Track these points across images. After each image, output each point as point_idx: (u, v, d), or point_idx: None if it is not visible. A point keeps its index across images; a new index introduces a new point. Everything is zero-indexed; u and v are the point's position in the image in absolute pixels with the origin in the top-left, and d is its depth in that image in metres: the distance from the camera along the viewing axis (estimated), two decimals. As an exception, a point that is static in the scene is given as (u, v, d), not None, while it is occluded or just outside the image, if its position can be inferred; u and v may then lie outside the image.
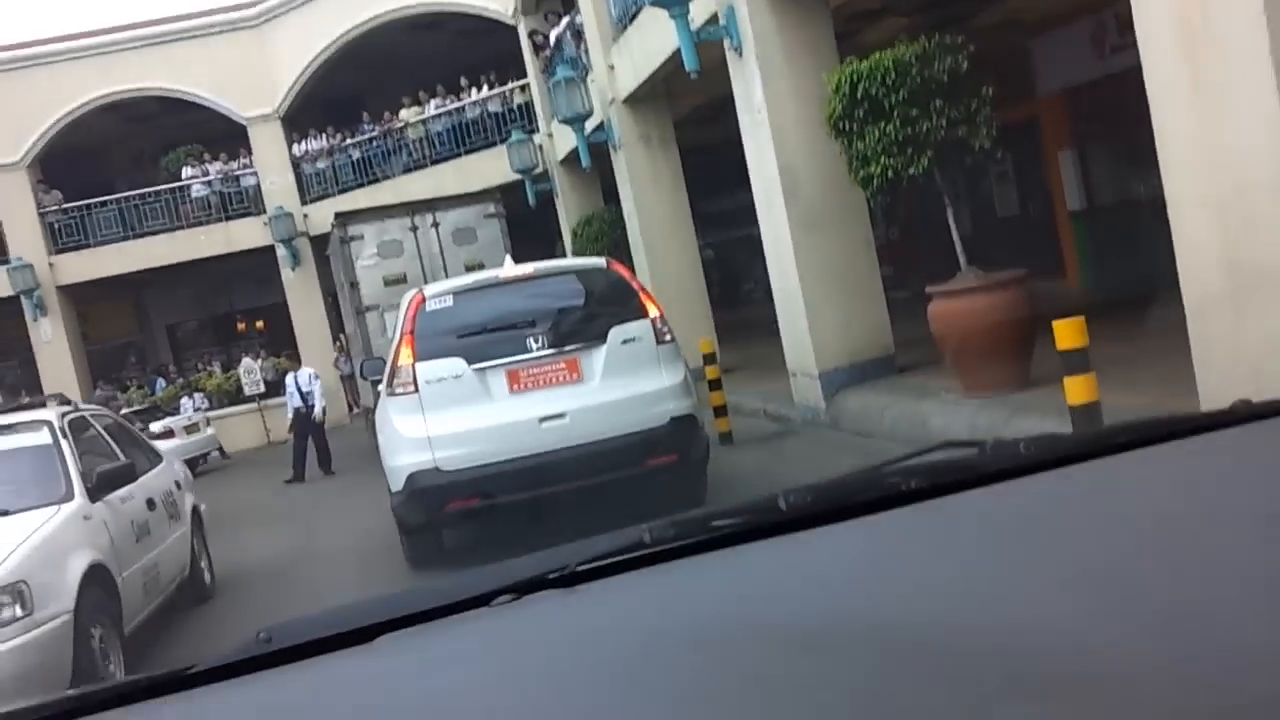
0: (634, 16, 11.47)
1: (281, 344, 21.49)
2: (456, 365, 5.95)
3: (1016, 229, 14.24)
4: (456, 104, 19.44)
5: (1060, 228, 13.39)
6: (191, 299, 23.78)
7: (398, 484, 6.01)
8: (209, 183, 21.17)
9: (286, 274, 20.53)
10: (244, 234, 20.70)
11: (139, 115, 20.97)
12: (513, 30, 17.30)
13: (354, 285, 11.92)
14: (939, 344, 7.25)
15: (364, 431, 15.30)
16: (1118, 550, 1.01)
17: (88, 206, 20.74)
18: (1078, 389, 4.80)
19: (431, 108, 19.77)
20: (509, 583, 1.15)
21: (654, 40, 10.66)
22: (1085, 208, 13.05)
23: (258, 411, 19.60)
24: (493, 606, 1.13)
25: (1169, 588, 0.89)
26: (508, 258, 7.30)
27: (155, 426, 15.72)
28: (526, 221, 17.37)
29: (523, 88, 18.28)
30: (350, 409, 17.69)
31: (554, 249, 17.52)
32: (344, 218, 12.27)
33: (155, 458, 7.28)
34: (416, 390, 5.93)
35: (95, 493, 5.60)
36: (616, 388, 6.00)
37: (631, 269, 13.47)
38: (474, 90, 19.39)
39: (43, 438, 5.80)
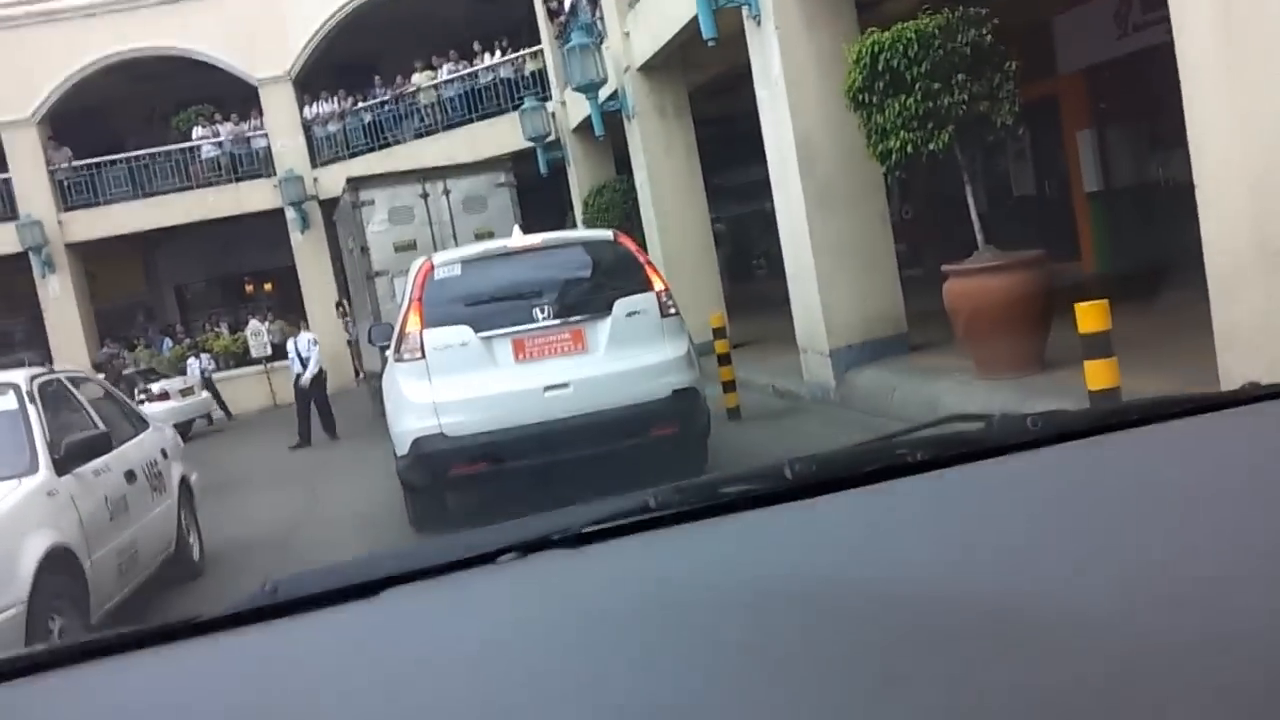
0: (652, -17, 11.31)
1: (290, 307, 21.42)
2: (463, 333, 6.02)
3: (1032, 209, 14.07)
4: (469, 69, 19.25)
5: (1077, 209, 13.23)
6: (200, 260, 23.70)
7: (403, 448, 6.09)
8: (219, 144, 21.05)
9: (295, 237, 20.45)
10: (253, 196, 20.59)
11: (150, 74, 20.81)
12: (528, -5, 17.13)
13: (364, 250, 11.91)
14: (953, 324, 7.14)
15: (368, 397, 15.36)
16: (1124, 523, 1.01)
17: (97, 164, 20.63)
18: (1099, 374, 4.70)
19: (444, 73, 19.59)
20: (514, 541, 1.15)
21: (671, 7, 10.50)
22: (1102, 189, 12.88)
23: (264, 374, 19.58)
24: (498, 564, 1.13)
25: (1175, 561, 0.89)
26: (516, 228, 7.33)
27: (154, 388, 15.74)
28: (537, 190, 17.24)
29: (536, 54, 18.10)
30: (356, 375, 17.64)
31: (565, 218, 17.40)
32: (356, 183, 12.25)
33: (140, 424, 6.74)
34: (424, 357, 6.00)
35: (63, 465, 5.08)
36: (620, 359, 6.07)
37: (643, 241, 13.53)
38: (487, 56, 19.20)
39: (7, 403, 5.24)
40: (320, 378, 12.83)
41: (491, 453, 5.89)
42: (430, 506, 6.36)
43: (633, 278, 6.33)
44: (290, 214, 20.21)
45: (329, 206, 17.92)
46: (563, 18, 15.56)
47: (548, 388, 5.97)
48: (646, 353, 6.14)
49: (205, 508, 7.53)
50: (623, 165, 14.93)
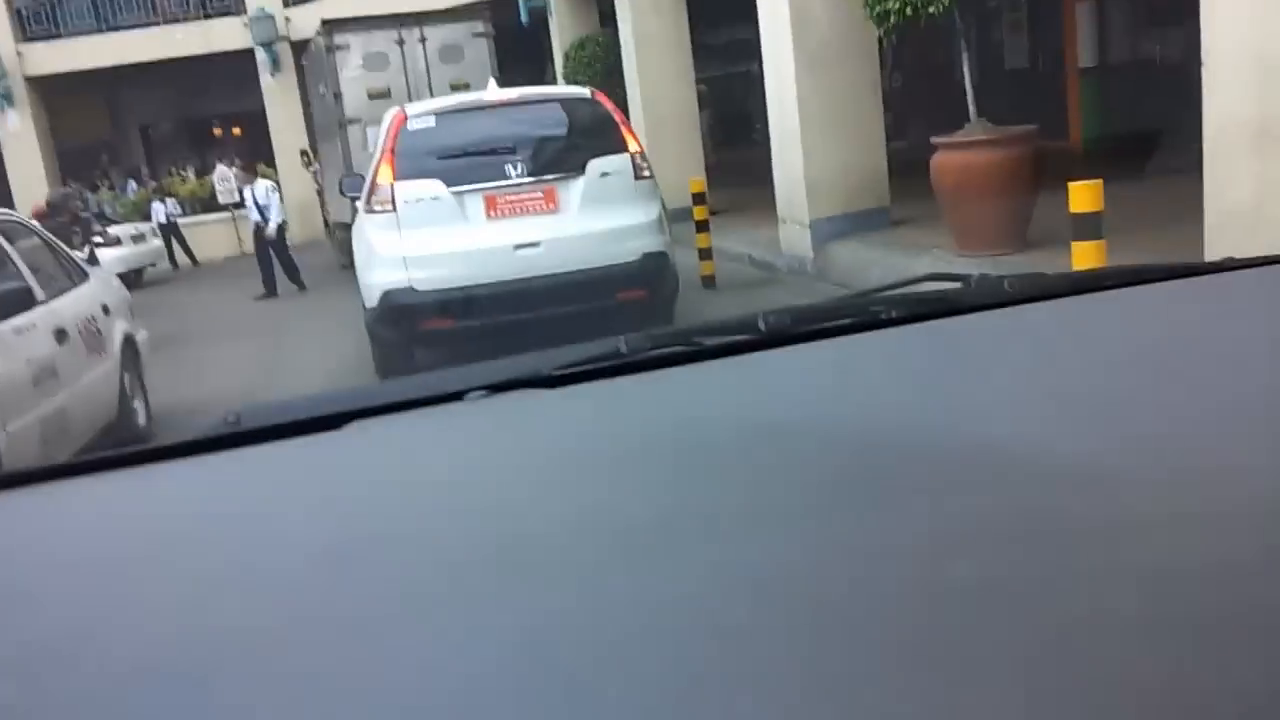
0: None
1: (259, 153, 20.80)
2: (435, 187, 5.98)
3: (1022, 83, 13.71)
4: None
5: (1069, 85, 12.90)
6: (167, 101, 22.90)
7: (372, 301, 6.11)
8: (186, -26, 20.07)
9: (266, 80, 19.72)
10: (223, 34, 19.75)
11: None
12: None
13: (337, 97, 11.63)
14: (939, 198, 6.97)
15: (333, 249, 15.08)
16: (1099, 375, 1.02)
17: (58, -8, 19.68)
18: (1086, 255, 4.57)
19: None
20: (484, 382, 1.15)
21: None
22: (1097, 65, 12.53)
23: (231, 220, 19.06)
24: (466, 400, 1.13)
25: (1148, 410, 0.90)
26: (492, 80, 7.23)
27: (107, 233, 15.30)
28: (517, 41, 16.60)
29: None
30: (326, 225, 17.29)
31: (544, 72, 16.84)
32: (331, 25, 11.88)
33: (79, 276, 5.99)
34: (394, 209, 5.97)
35: None
36: (591, 220, 6.06)
37: (625, 99, 13.14)
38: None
39: None
40: (280, 227, 12.37)
41: (460, 309, 5.89)
42: (397, 361, 6.34)
43: (608, 138, 6.27)
44: (261, 55, 19.45)
45: (301, 49, 17.24)
46: None
47: (518, 246, 5.95)
48: (618, 215, 6.11)
49: (161, 363, 7.23)
50: (607, 18, 14.36)
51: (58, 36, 19.62)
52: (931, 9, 6.42)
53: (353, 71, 11.66)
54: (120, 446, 1.19)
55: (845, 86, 8.13)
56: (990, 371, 1.09)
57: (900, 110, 14.91)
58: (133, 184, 21.01)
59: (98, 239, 10.01)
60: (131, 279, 14.56)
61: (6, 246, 5.24)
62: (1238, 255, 1.45)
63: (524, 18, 15.58)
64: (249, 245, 12.59)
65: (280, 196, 12.77)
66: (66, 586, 0.82)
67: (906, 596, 0.62)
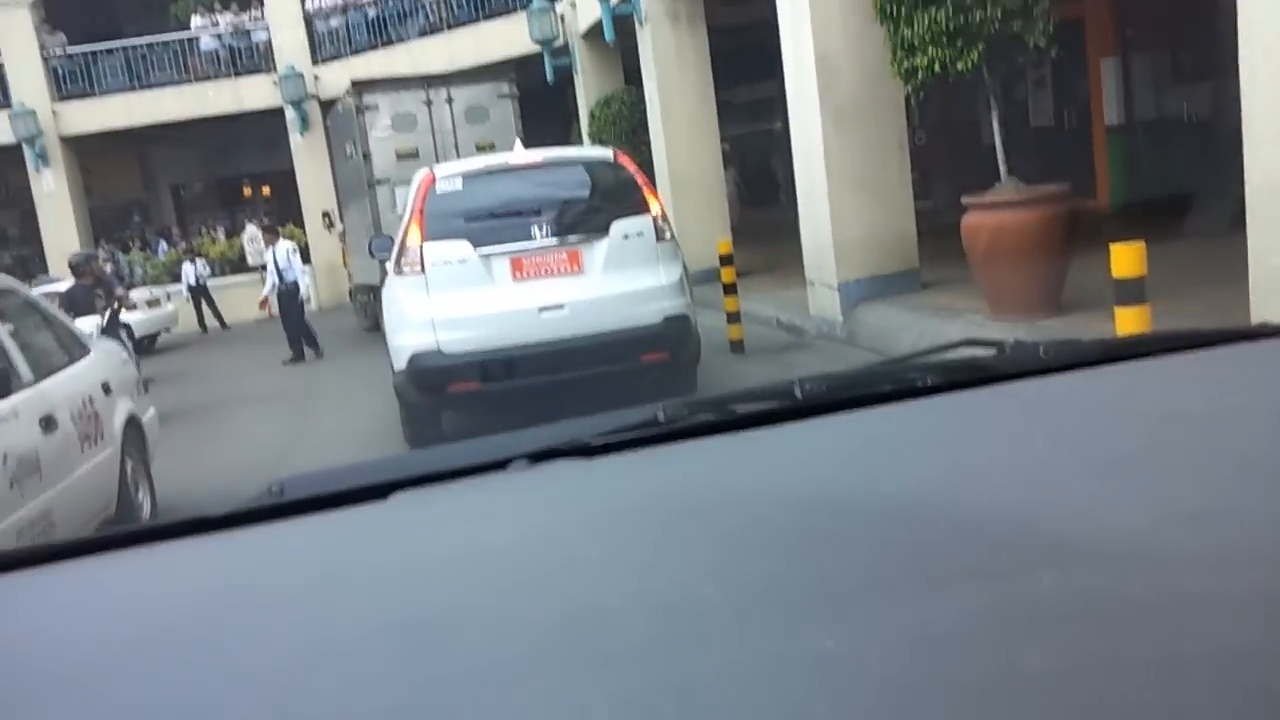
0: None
1: (289, 212, 21.01)
2: (463, 249, 6.04)
3: (1048, 140, 13.58)
4: (478, -36, 18.58)
5: (1096, 142, 12.76)
6: (198, 160, 23.23)
7: (400, 363, 6.14)
8: (218, 35, 20.40)
9: (295, 138, 19.91)
10: (253, 93, 19.99)
11: (148, -43, 20.12)
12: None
13: (366, 157, 11.74)
14: (970, 259, 6.80)
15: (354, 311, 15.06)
16: (1142, 446, 1.00)
17: (93, 52, 19.99)
18: (1131, 321, 4.39)
19: (452, -32, 18.89)
20: (524, 450, 1.16)
21: (689, -94, 9.94)
22: (1124, 123, 12.40)
23: (260, 281, 19.15)
24: (508, 470, 1.13)
25: (1196, 484, 0.88)
26: (518, 142, 7.35)
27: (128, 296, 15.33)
28: (543, 98, 16.69)
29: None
30: (350, 288, 17.32)
31: (570, 129, 16.91)
32: (360, 86, 12.05)
33: (77, 350, 5.40)
34: (423, 271, 6.03)
35: None
36: (615, 282, 6.11)
37: (649, 157, 13.12)
38: (497, -49, 18.50)
39: None
40: (296, 290, 12.15)
41: (486, 372, 5.94)
42: (426, 424, 6.39)
43: (630, 199, 6.32)
44: (290, 113, 19.65)
45: (330, 107, 17.46)
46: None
47: (543, 308, 6.00)
48: (641, 277, 6.16)
49: (181, 432, 7.11)
50: (632, 76, 14.40)
51: (91, 95, 19.92)
52: (960, 66, 6.32)
53: (381, 132, 11.78)
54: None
55: (873, 145, 8.01)
56: (1030, 442, 1.07)
57: (924, 169, 14.80)
58: (164, 244, 21.19)
59: (115, 304, 9.96)
60: (145, 345, 14.62)
61: None
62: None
63: (549, 76, 15.67)
64: (276, 308, 12.53)
65: (301, 259, 12.72)
66: (109, 663, 0.81)
67: (983, 684, 0.61)
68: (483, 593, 0.85)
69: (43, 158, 19.46)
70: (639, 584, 0.82)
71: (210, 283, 18.72)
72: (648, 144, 13.43)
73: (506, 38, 16.87)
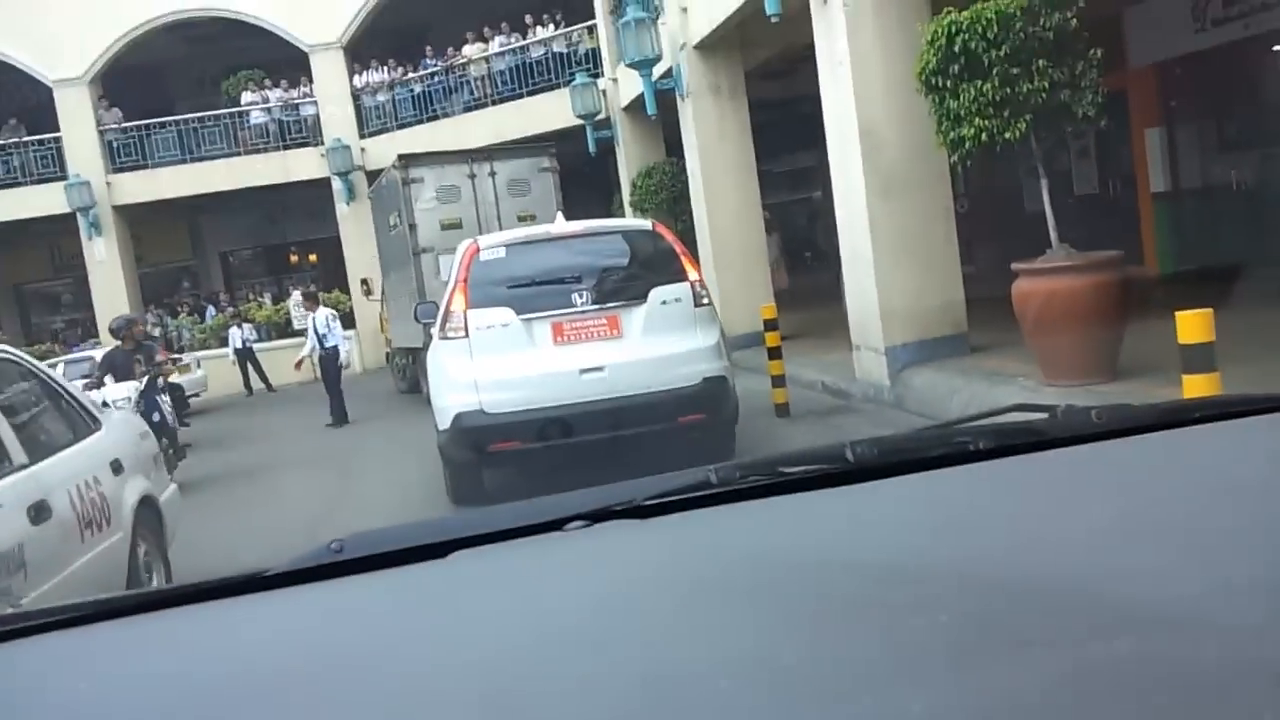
0: (712, -44, 10.94)
1: (334, 278, 21.35)
2: (505, 314, 6.20)
3: (1094, 209, 13.55)
4: (521, 42, 18.97)
5: (1141, 210, 12.71)
6: (246, 228, 23.72)
7: (445, 423, 6.29)
8: (268, 109, 20.97)
9: (341, 208, 20.31)
10: (300, 164, 20.49)
11: (202, 36, 20.76)
12: (584, -32, 16.81)
13: (412, 227, 12.03)
14: (1022, 325, 6.75)
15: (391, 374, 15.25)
16: (1193, 512, 1.00)
17: (147, 127, 20.65)
18: (1199, 388, 4.31)
19: (496, 45, 19.32)
20: (581, 510, 1.17)
21: (732, -18, 10.14)
22: (1169, 190, 12.36)
23: (304, 345, 19.46)
24: (566, 531, 1.14)
25: (1243, 551, 0.88)
26: (559, 214, 7.59)
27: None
28: (585, 170, 16.96)
29: (590, 29, 17.76)
30: (387, 352, 17.54)
31: (611, 199, 17.11)
32: (406, 160, 12.38)
33: (86, 426, 4.92)
34: (467, 335, 6.19)
35: None
36: (653, 345, 6.25)
37: (691, 226, 13.24)
38: (539, 29, 18.90)
39: None
40: (334, 357, 12.40)
41: (528, 431, 6.05)
42: (469, 482, 6.52)
43: (668, 267, 6.50)
44: (336, 184, 20.09)
45: (375, 178, 17.83)
46: (618, -8, 15.20)
47: (583, 370, 6.13)
48: (679, 340, 6.31)
49: (218, 494, 7.07)
50: (673, 148, 14.59)
51: (144, 167, 20.49)
52: (1007, 136, 6.34)
53: (427, 203, 12.09)
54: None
55: (918, 211, 8.04)
56: (1087, 507, 1.06)
57: (966, 236, 14.77)
58: (211, 309, 21.56)
59: (153, 370, 9.94)
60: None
61: None
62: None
63: (591, 147, 15.92)
64: (318, 371, 12.72)
65: (343, 324, 12.94)
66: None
67: None
68: (559, 655, 0.85)
69: (96, 226, 19.98)
70: (718, 649, 0.81)
71: (256, 346, 19.07)
72: (689, 213, 13.55)
73: (550, 111, 17.18)
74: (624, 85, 15.42)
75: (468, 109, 19.33)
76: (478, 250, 6.45)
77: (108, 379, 9.68)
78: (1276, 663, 0.68)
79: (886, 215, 8.02)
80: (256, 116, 20.90)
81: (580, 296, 6.25)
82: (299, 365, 12.93)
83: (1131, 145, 12.70)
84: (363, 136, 20.33)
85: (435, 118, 19.56)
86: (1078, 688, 0.68)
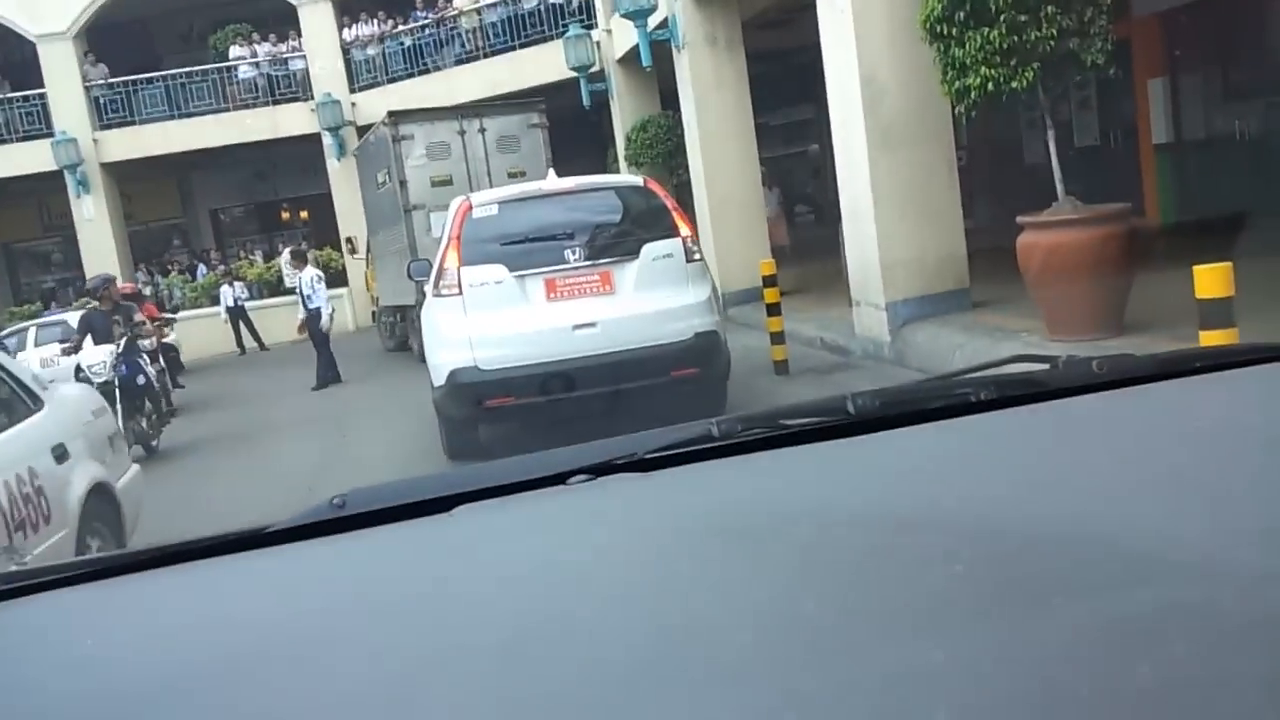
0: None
1: (325, 234, 21.16)
2: (498, 271, 6.22)
3: (1095, 161, 13.40)
4: (514, -7, 18.67)
5: (1143, 161, 12.56)
6: (236, 184, 23.47)
7: (439, 379, 6.34)
8: (256, 64, 20.63)
9: (332, 164, 20.05)
10: (290, 120, 20.20)
11: (189, -12, 20.40)
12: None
13: (403, 184, 12.04)
14: (1026, 279, 6.64)
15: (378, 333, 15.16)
16: (1197, 461, 0.99)
17: (134, 82, 20.30)
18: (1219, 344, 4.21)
19: (488, -4, 19.01)
20: (583, 464, 1.16)
21: (730, -70, 9.90)
22: (1172, 141, 12.20)
23: (297, 304, 19.29)
24: (569, 484, 1.14)
25: (1251, 497, 0.88)
26: (551, 171, 7.64)
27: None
28: (579, 124, 16.72)
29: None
30: (374, 311, 17.40)
31: (605, 154, 16.91)
32: (396, 117, 12.35)
33: (25, 406, 4.35)
34: (460, 293, 6.22)
35: None
36: (645, 301, 6.27)
37: (688, 180, 13.07)
38: (533, -20, 18.59)
39: None
40: (316, 318, 12.12)
41: (523, 386, 6.10)
42: (465, 438, 6.60)
43: (660, 223, 6.52)
44: (327, 139, 19.82)
45: (366, 133, 17.59)
46: (612, -59, 14.88)
47: (576, 326, 6.17)
48: (671, 296, 6.33)
49: (217, 458, 7.02)
50: (669, 100, 14.37)
51: (132, 123, 20.19)
52: (1014, 85, 6.19)
53: (416, 160, 12.08)
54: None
55: (920, 164, 7.89)
56: (1091, 458, 1.06)
57: (968, 188, 14.64)
58: (202, 268, 21.37)
59: (131, 330, 9.43)
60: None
61: None
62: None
63: (586, 101, 15.68)
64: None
65: (333, 283, 12.75)
66: (170, 676, 0.81)
67: (1101, 697, 0.60)
68: (573, 606, 0.84)
69: (83, 184, 19.71)
70: (736, 599, 0.81)
71: (248, 305, 18.91)
72: (684, 167, 13.38)
73: (543, 64, 16.95)
74: (618, 37, 15.15)
75: (459, 62, 19.02)
76: (470, 207, 6.47)
77: (87, 341, 9.26)
78: None
79: (888, 167, 7.87)
80: (245, 71, 20.56)
81: (573, 253, 6.28)
82: (301, 328, 12.70)
83: (1134, 96, 12.51)
84: (353, 91, 20.01)
85: (426, 71, 19.26)
86: (1099, 637, 0.67)
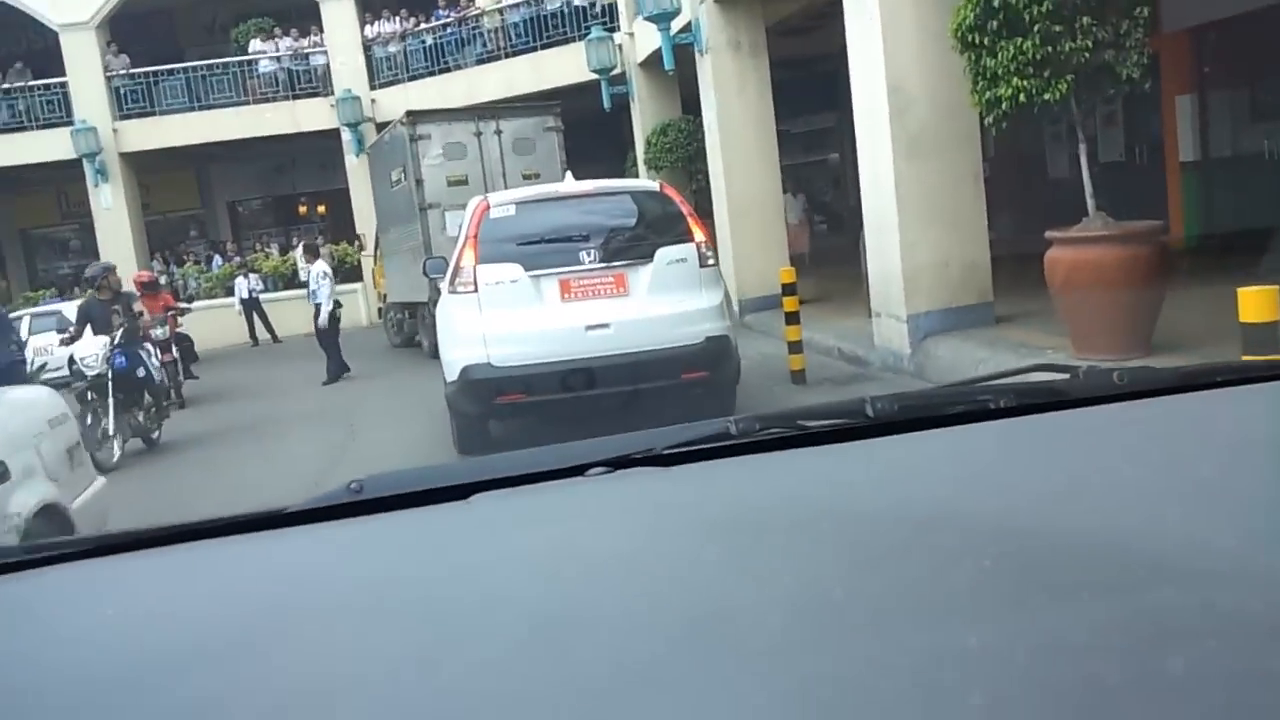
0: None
1: (343, 230, 21.15)
2: (514, 270, 6.27)
3: (1119, 176, 13.22)
4: (537, -7, 18.62)
5: (1169, 179, 12.41)
6: (255, 177, 23.49)
7: (453, 375, 6.40)
8: (278, 59, 20.63)
9: (350, 159, 20.01)
10: (310, 115, 20.19)
11: (212, -18, 20.42)
12: (602, -82, 16.40)
13: (419, 183, 12.11)
14: (1054, 295, 6.52)
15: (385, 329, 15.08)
16: (1216, 471, 0.98)
17: (155, 73, 20.34)
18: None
19: (511, -4, 18.96)
20: (601, 457, 1.16)
21: (757, -67, 9.80)
22: (1199, 159, 12.05)
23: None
24: (587, 476, 1.14)
25: (1271, 507, 0.87)
26: (568, 174, 7.64)
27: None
28: (599, 126, 16.65)
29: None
30: (380, 306, 17.35)
31: (624, 157, 16.82)
32: (414, 116, 12.41)
33: None
34: (476, 290, 6.27)
35: None
36: (658, 304, 6.33)
37: (707, 185, 12.98)
38: (556, -20, 18.52)
39: None
40: (318, 313, 12.06)
41: (535, 384, 6.15)
42: (475, 432, 6.65)
43: (675, 228, 6.58)
44: (346, 135, 19.79)
45: (382, 131, 17.56)
46: (637, -56, 14.80)
47: (589, 326, 6.22)
48: (683, 300, 6.38)
49: (225, 450, 7.01)
50: (690, 105, 14.29)
51: (152, 114, 20.21)
52: (1047, 97, 6.08)
53: (433, 160, 12.15)
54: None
55: (946, 175, 7.77)
56: (1111, 465, 1.05)
57: (991, 202, 14.52)
58: (218, 259, 21.37)
59: (128, 321, 9.15)
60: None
61: None
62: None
63: (606, 103, 15.61)
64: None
65: (347, 278, 12.74)
66: (183, 651, 0.80)
67: (1132, 688, 0.61)
68: (598, 593, 0.84)
69: (102, 173, 19.74)
70: (763, 587, 0.80)
71: (263, 297, 18.91)
72: (704, 172, 13.29)
73: (564, 66, 16.89)
74: (641, 40, 15.08)
75: (480, 61, 18.98)
76: (488, 207, 6.53)
77: (86, 331, 9.00)
78: None
79: (913, 177, 7.75)
80: (266, 65, 20.58)
81: (588, 255, 6.34)
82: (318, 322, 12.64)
83: (1162, 112, 12.36)
84: (373, 88, 20.00)
85: (447, 70, 19.22)
86: (1130, 630, 0.68)
